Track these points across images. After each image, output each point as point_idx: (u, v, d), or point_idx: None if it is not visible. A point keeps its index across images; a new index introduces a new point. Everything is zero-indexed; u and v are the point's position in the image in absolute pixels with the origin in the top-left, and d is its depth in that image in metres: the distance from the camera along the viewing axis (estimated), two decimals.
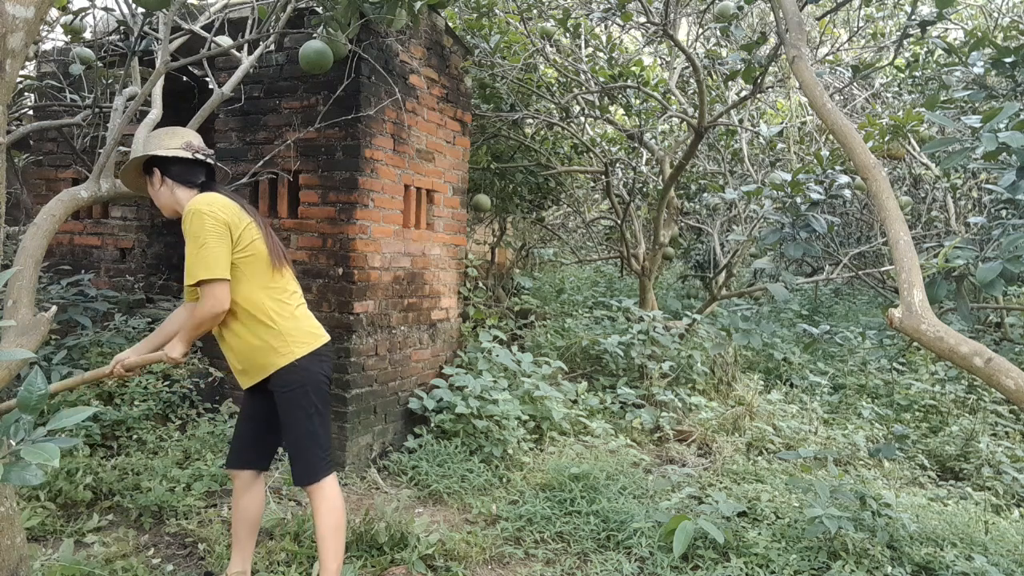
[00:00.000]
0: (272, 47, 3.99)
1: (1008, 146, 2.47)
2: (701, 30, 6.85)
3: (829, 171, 3.47)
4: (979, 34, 4.07)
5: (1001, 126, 2.55)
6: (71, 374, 4.03)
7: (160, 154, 2.51)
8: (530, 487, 3.83)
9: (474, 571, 3.03)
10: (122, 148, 3.26)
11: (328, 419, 2.61)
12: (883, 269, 5.58)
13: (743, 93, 6.33)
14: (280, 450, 3.99)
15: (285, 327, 2.48)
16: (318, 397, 2.53)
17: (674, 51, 7.37)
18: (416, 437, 4.31)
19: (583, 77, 6.19)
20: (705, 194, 8.31)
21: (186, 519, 3.24)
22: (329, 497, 2.52)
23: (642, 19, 6.21)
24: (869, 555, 3.14)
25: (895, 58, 5.67)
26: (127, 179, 2.65)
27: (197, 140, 2.59)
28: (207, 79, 4.52)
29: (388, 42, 4.11)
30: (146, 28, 3.42)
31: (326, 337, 2.65)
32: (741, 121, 7.20)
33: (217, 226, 2.36)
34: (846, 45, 7.44)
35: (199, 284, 2.36)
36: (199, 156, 2.54)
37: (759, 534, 3.26)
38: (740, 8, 5.06)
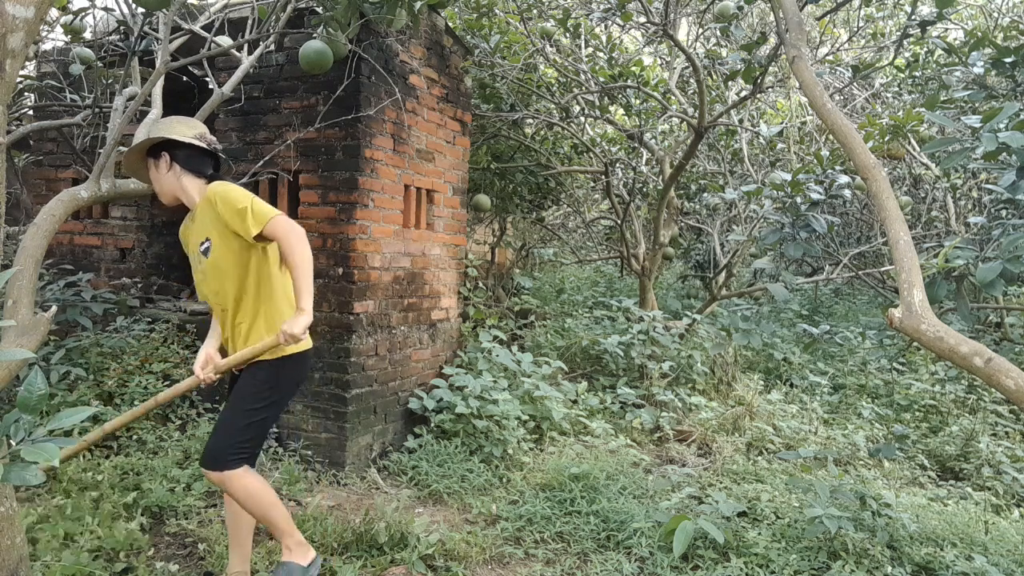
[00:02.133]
0: (272, 47, 3.99)
1: (1008, 146, 2.48)
2: (701, 30, 6.85)
3: (829, 171, 3.47)
4: (979, 34, 4.07)
5: (1001, 126, 2.55)
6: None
7: (177, 139, 2.51)
8: (530, 487, 3.83)
9: (474, 571, 3.03)
10: (122, 148, 3.26)
11: (273, 422, 2.59)
12: (883, 269, 5.58)
13: (743, 93, 6.33)
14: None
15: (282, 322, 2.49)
16: (276, 399, 2.53)
17: (674, 51, 7.37)
18: (416, 437, 4.31)
19: (583, 77, 6.19)
20: (705, 194, 8.31)
21: (186, 519, 3.24)
22: (239, 486, 2.43)
23: (642, 19, 6.22)
24: (869, 555, 3.14)
25: (895, 58, 5.67)
26: (130, 161, 2.63)
27: (208, 133, 2.62)
28: (207, 79, 4.51)
29: (388, 42, 4.11)
30: (146, 28, 3.42)
31: (310, 343, 2.66)
32: (741, 121, 7.20)
33: (246, 193, 2.42)
34: (846, 45, 7.44)
35: (261, 234, 2.37)
36: (213, 148, 2.57)
37: (759, 534, 3.26)
38: (740, 8, 5.06)
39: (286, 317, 2.50)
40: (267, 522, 2.53)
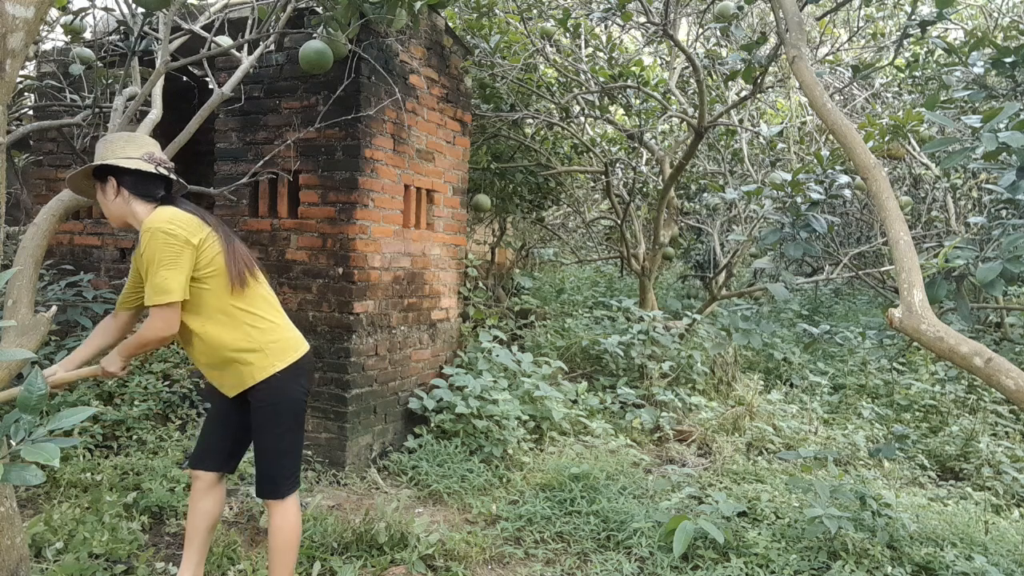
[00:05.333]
0: (272, 47, 3.99)
1: (1008, 146, 2.48)
2: (701, 30, 6.85)
3: (829, 171, 3.47)
4: (979, 34, 4.07)
5: (1001, 126, 2.55)
6: None
7: (120, 165, 2.35)
8: (530, 487, 3.83)
9: (474, 571, 3.03)
10: None
11: (301, 436, 2.53)
12: (883, 269, 5.58)
13: (743, 93, 6.33)
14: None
15: (263, 340, 2.39)
16: (293, 414, 2.45)
17: (674, 51, 7.37)
18: (416, 437, 4.31)
19: (583, 77, 6.19)
20: (705, 194, 8.32)
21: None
22: (287, 515, 2.46)
23: (642, 19, 6.22)
24: (869, 555, 3.14)
25: (895, 58, 5.67)
26: (75, 183, 2.47)
27: (158, 150, 2.45)
28: (207, 79, 4.52)
29: (388, 42, 4.11)
30: (146, 28, 3.42)
31: (306, 347, 2.54)
32: (741, 121, 7.20)
33: (175, 245, 2.25)
34: (846, 45, 7.44)
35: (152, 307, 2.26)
36: (161, 170, 2.39)
37: (759, 534, 3.26)
38: (740, 8, 5.06)
39: (238, 345, 2.37)
40: (279, 563, 2.45)
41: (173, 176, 2.45)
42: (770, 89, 7.26)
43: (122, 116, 3.13)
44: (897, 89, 7.16)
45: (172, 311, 2.27)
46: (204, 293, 2.34)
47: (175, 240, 2.25)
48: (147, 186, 2.40)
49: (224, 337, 2.36)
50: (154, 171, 2.37)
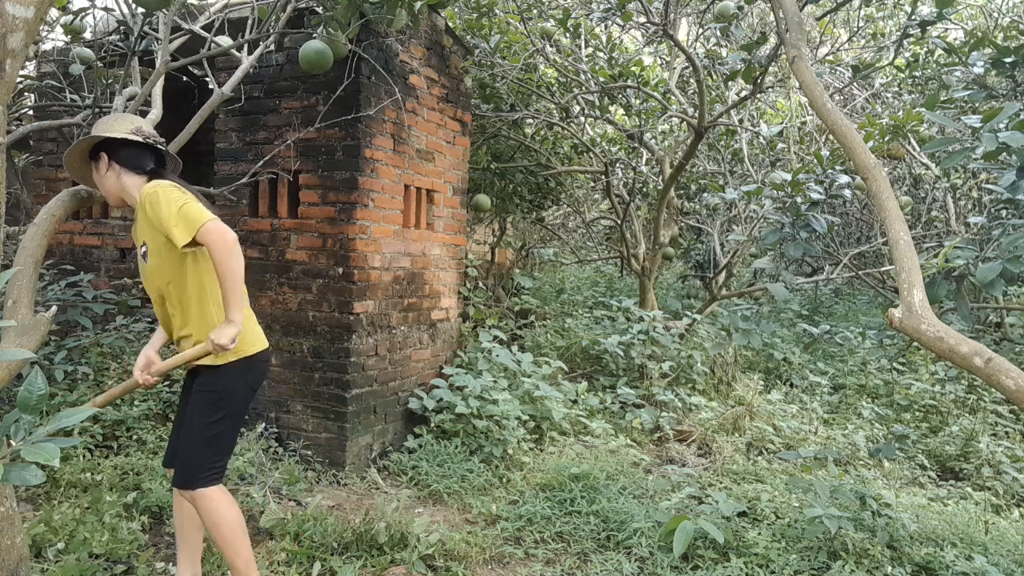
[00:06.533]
0: (272, 47, 3.99)
1: (1008, 146, 2.48)
2: (701, 30, 6.85)
3: (829, 171, 3.47)
4: (979, 34, 4.07)
5: (1001, 126, 2.55)
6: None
7: (110, 136, 2.42)
8: (530, 487, 3.83)
9: (474, 571, 3.03)
10: None
11: (234, 432, 2.49)
12: (883, 269, 5.58)
13: (743, 93, 6.33)
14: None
15: None
16: (230, 408, 2.43)
17: (674, 51, 7.37)
18: (416, 437, 4.31)
19: (583, 77, 6.19)
20: (705, 194, 8.32)
21: None
22: (211, 509, 2.38)
23: (642, 19, 6.21)
24: (869, 555, 3.14)
25: (895, 58, 5.67)
26: (70, 165, 2.54)
27: (147, 126, 2.52)
28: (207, 79, 4.52)
29: (388, 42, 4.11)
30: (146, 28, 3.42)
31: (265, 344, 2.55)
32: (741, 121, 7.20)
33: (181, 193, 2.32)
34: (846, 45, 7.44)
35: (193, 241, 2.26)
36: (150, 141, 2.46)
37: (759, 534, 3.26)
38: (740, 8, 5.06)
39: (210, 321, 2.39)
40: (229, 553, 2.41)
41: (161, 147, 2.51)
42: (770, 89, 7.26)
43: None
44: (897, 89, 7.16)
45: (214, 223, 2.25)
46: (192, 265, 2.38)
47: (178, 191, 2.34)
48: (137, 158, 2.47)
49: (206, 306, 2.40)
50: (142, 142, 2.45)
